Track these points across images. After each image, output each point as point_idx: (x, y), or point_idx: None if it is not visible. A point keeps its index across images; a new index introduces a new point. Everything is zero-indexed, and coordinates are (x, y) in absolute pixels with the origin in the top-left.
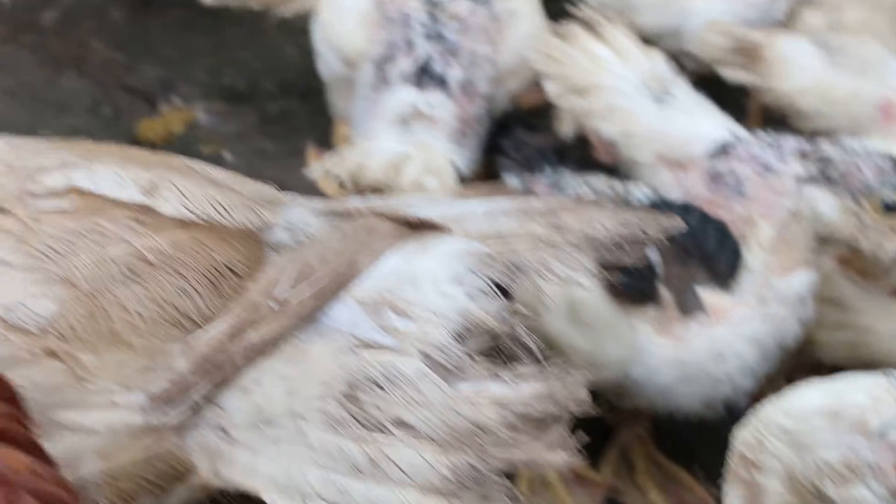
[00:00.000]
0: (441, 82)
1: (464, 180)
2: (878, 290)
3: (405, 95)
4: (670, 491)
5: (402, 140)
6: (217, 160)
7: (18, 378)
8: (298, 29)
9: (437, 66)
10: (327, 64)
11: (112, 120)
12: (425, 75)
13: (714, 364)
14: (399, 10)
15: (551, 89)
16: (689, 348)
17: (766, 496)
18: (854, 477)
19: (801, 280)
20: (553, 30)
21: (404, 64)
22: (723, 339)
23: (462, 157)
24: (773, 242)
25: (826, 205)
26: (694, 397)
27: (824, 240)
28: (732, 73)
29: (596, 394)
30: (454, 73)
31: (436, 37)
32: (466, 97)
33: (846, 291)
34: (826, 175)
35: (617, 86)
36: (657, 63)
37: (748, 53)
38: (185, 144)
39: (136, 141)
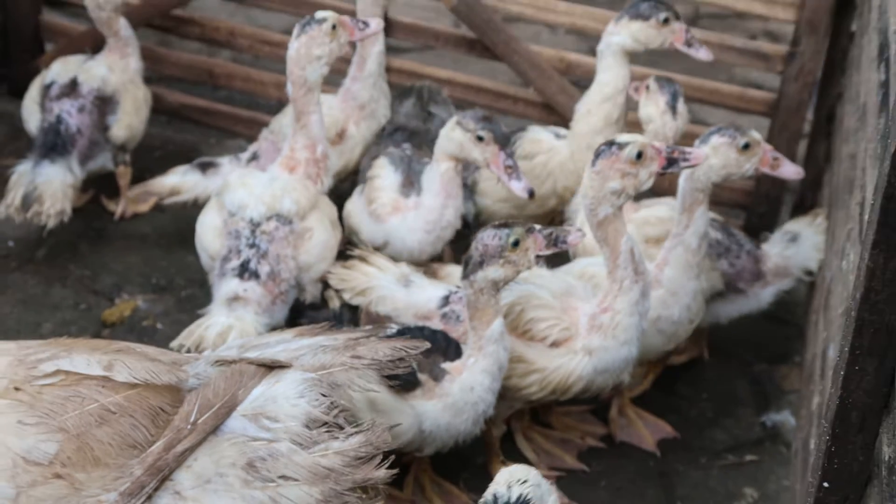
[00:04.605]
0: (255, 274)
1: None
2: (538, 344)
3: (232, 284)
4: (447, 500)
5: (228, 315)
6: (153, 330)
7: (38, 495)
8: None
9: (253, 264)
10: (203, 260)
11: (87, 312)
12: (245, 270)
13: (469, 394)
14: (234, 227)
15: (346, 296)
16: (451, 395)
17: None
18: None
19: (497, 325)
20: (341, 263)
21: (234, 262)
22: (467, 378)
23: (269, 324)
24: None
25: (494, 272)
26: (467, 421)
27: (501, 286)
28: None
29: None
30: (264, 269)
31: (253, 245)
32: (274, 283)
33: (522, 350)
34: (479, 260)
35: (382, 285)
36: (402, 267)
37: (431, 272)
38: (133, 322)
39: (103, 323)
